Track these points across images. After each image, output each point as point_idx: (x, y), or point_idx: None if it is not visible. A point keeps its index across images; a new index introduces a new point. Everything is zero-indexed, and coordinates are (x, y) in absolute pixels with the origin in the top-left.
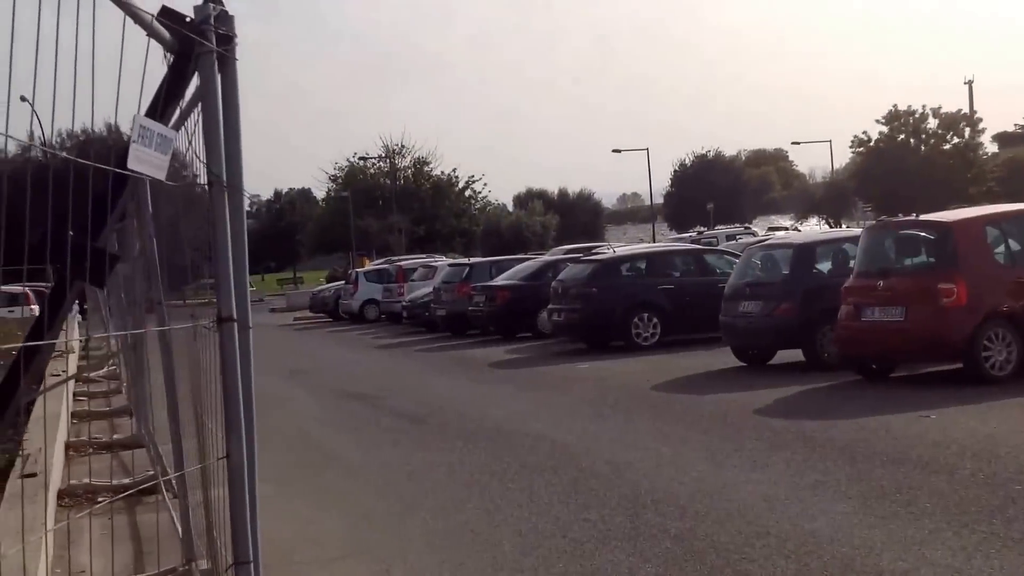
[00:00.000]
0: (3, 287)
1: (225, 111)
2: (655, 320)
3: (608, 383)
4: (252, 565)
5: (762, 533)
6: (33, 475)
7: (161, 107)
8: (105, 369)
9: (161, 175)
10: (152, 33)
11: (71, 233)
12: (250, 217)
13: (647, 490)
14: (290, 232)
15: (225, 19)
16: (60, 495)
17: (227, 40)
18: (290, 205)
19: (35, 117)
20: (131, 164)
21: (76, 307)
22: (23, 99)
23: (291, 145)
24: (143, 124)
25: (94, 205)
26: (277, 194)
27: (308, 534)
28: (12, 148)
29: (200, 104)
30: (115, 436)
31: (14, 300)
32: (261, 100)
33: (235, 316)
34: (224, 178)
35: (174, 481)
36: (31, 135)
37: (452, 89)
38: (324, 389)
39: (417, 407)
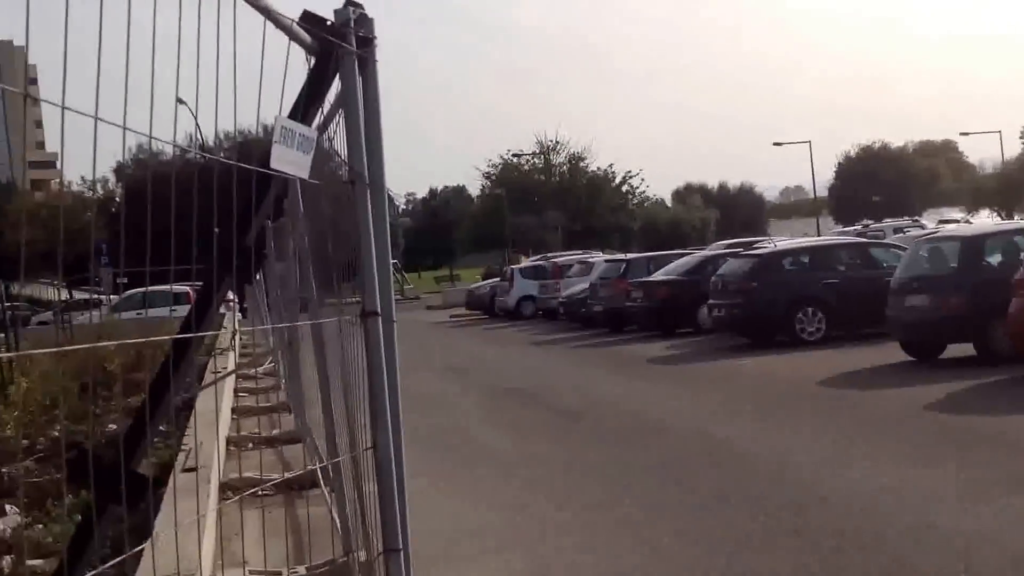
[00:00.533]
0: (163, 287)
1: (366, 111)
2: (819, 315)
3: (771, 379)
4: (401, 553)
5: (929, 530)
6: (194, 469)
7: (303, 109)
8: (265, 366)
9: (304, 174)
10: (293, 37)
11: (215, 230)
12: (406, 215)
13: (812, 487)
14: (446, 229)
15: (364, 21)
16: (221, 488)
17: (367, 42)
18: (445, 203)
19: (190, 118)
20: (274, 164)
21: (236, 305)
22: (180, 101)
23: (446, 143)
24: (285, 125)
25: (242, 204)
26: (432, 192)
27: (464, 528)
28: (170, 150)
29: (341, 105)
30: (274, 431)
31: (178, 300)
32: (417, 99)
33: (379, 310)
34: (366, 176)
35: (330, 473)
36: (190, 137)
37: (608, 83)
38: (480, 385)
39: (573, 403)
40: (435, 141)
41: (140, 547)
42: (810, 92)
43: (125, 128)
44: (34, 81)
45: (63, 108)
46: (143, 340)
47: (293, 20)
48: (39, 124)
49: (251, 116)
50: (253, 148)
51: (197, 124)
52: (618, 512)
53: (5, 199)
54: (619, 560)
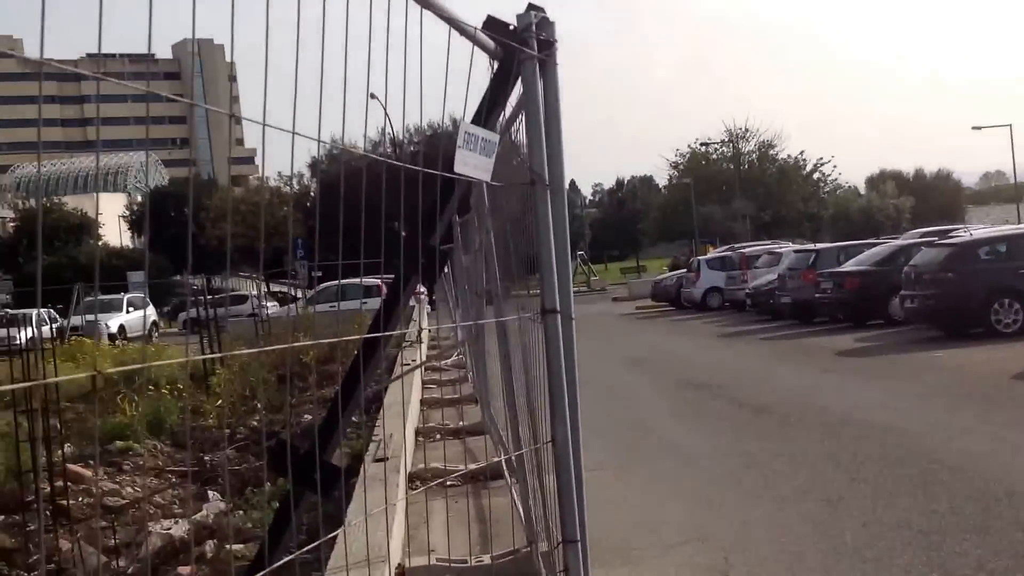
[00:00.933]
0: (355, 280)
1: (546, 114)
2: (1017, 306)
3: (965, 372)
4: (579, 544)
5: None
6: (385, 459)
7: (486, 112)
8: (453, 358)
9: (486, 176)
10: (476, 43)
11: (402, 234)
12: (592, 206)
13: (1000, 481)
14: (632, 220)
15: (546, 25)
16: (411, 478)
17: (548, 45)
18: (632, 193)
19: (380, 119)
20: (457, 168)
21: (425, 297)
22: (373, 96)
23: (633, 133)
24: (468, 130)
25: (428, 205)
26: (619, 182)
27: (646, 520)
28: (363, 145)
29: (523, 107)
30: (461, 423)
31: (369, 292)
32: (604, 88)
33: (558, 308)
34: (546, 178)
35: (514, 465)
36: (381, 132)
37: (799, 69)
38: (664, 378)
39: (759, 396)
40: (622, 131)
41: (333, 534)
42: (1011, 73)
43: (319, 142)
44: (233, 78)
45: (264, 125)
46: (335, 339)
47: (476, 28)
48: (238, 121)
49: (437, 113)
50: (440, 142)
51: (387, 118)
52: (803, 506)
53: (206, 195)
54: (803, 554)
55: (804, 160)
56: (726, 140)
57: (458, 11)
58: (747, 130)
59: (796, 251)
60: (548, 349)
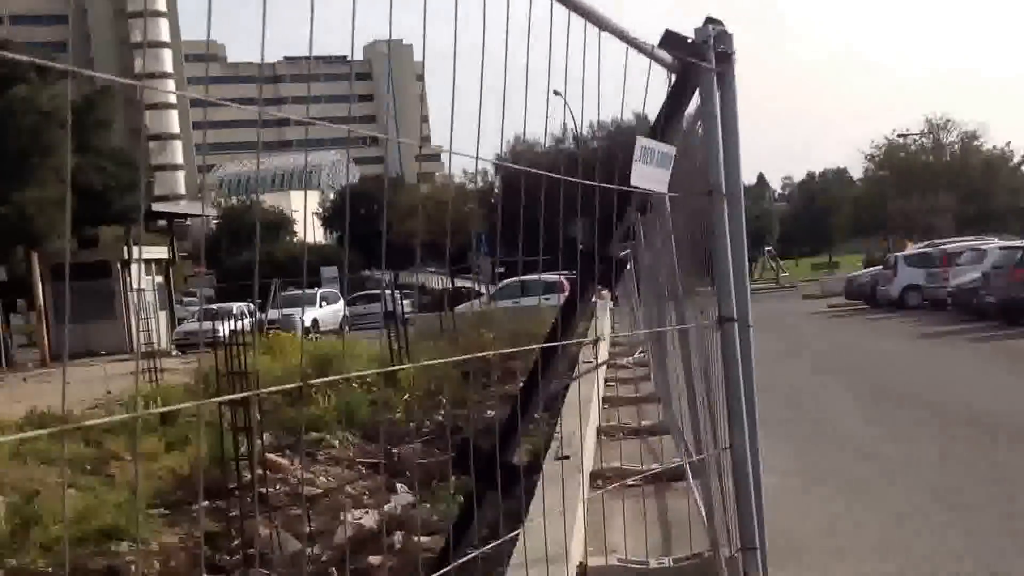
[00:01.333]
0: (536, 276)
1: (723, 125)
2: None
3: None
4: (758, 552)
5: None
6: (567, 458)
7: (663, 124)
8: (636, 355)
9: (663, 188)
10: (653, 58)
11: (579, 246)
12: (781, 200)
13: None
14: (824, 214)
15: (724, 38)
16: (592, 477)
17: (725, 57)
18: (824, 187)
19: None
20: (634, 180)
21: (608, 294)
22: (556, 93)
23: (826, 124)
24: (644, 144)
25: (605, 213)
26: (810, 175)
27: (834, 529)
28: (544, 140)
29: (700, 118)
30: (643, 422)
31: (551, 288)
32: (797, 79)
33: (735, 316)
34: (723, 188)
35: (696, 467)
36: (564, 127)
37: (1002, 57)
38: (858, 381)
39: (963, 403)
40: (813, 122)
41: (515, 532)
42: None
43: (498, 165)
44: (421, 77)
45: (451, 149)
46: (515, 350)
47: (653, 45)
48: (425, 119)
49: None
50: (618, 140)
51: (570, 113)
52: (1008, 524)
53: (395, 192)
54: (1000, 566)
55: (1011, 151)
56: (925, 131)
57: (636, 18)
58: (949, 120)
59: (1002, 248)
60: (725, 357)
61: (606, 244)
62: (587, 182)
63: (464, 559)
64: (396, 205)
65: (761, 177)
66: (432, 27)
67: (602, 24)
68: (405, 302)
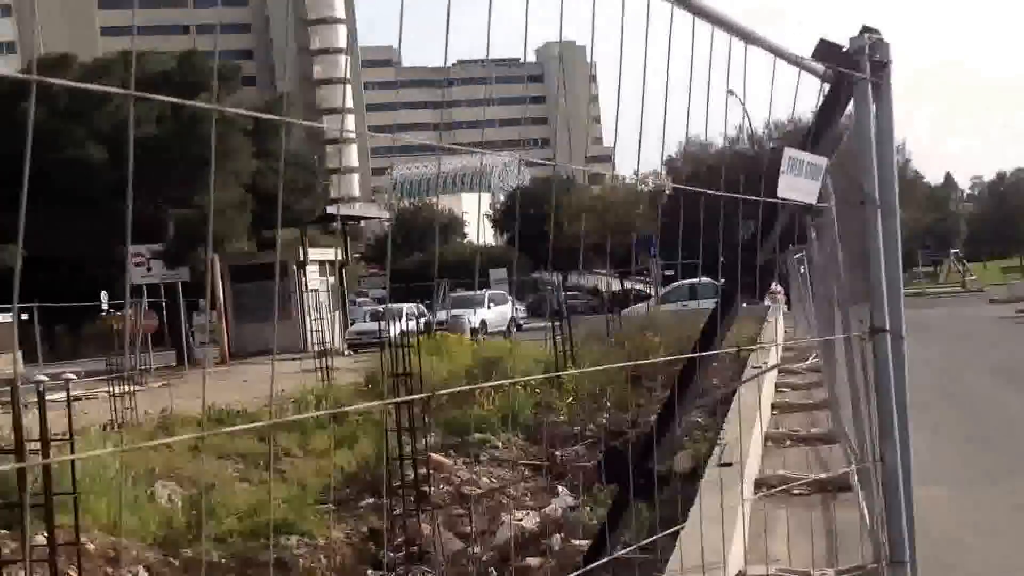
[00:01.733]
0: (706, 279)
1: (877, 135)
2: None
3: None
4: (908, 565)
5: None
6: (728, 464)
7: (815, 134)
8: (809, 361)
9: (811, 199)
10: (802, 67)
11: (721, 259)
12: (969, 200)
13: None
14: (1015, 216)
15: (880, 46)
16: (756, 485)
17: (881, 67)
18: (1015, 187)
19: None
20: (781, 192)
21: (783, 297)
22: (731, 92)
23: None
24: (792, 155)
25: (761, 222)
26: (1000, 175)
27: (1008, 550)
28: (717, 142)
29: (853, 128)
30: (813, 429)
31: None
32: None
33: (887, 327)
34: (876, 198)
35: (862, 478)
36: (738, 128)
37: None
38: None
39: None
40: (1003, 122)
41: (668, 531)
42: None
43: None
44: (593, 78)
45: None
46: (670, 358)
47: (800, 57)
48: (597, 120)
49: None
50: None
51: (745, 112)
52: None
53: (565, 193)
54: None
55: None
56: None
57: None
58: None
59: None
60: (876, 368)
61: (753, 254)
62: (730, 195)
63: (597, 563)
64: (566, 207)
65: (948, 177)
66: (603, 30)
67: (749, 38)
68: (572, 303)
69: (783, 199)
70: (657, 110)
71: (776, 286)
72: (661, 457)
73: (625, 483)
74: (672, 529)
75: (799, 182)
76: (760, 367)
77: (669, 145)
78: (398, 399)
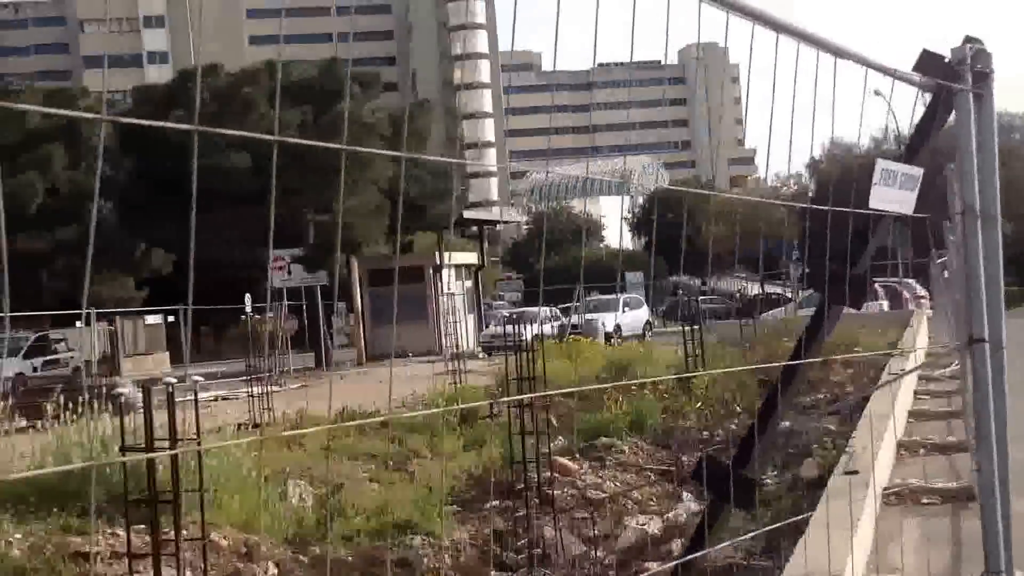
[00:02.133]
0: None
1: (979, 145)
2: None
3: None
4: None
5: None
6: (855, 472)
7: (915, 144)
8: (950, 367)
9: (907, 210)
10: (898, 78)
11: (812, 268)
12: None
13: None
14: None
15: (982, 56)
16: (885, 494)
17: (983, 76)
18: None
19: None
20: (873, 203)
21: (927, 301)
22: (877, 93)
23: None
24: (885, 167)
25: (854, 236)
26: None
27: None
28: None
29: (954, 138)
30: (949, 437)
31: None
32: None
33: (986, 336)
34: (976, 209)
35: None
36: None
37: None
38: None
39: None
40: None
41: (773, 525)
42: None
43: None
44: (735, 79)
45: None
46: (790, 363)
47: (895, 70)
48: (739, 121)
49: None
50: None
51: (891, 110)
52: None
53: (705, 197)
54: None
55: None
56: None
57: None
58: None
59: None
60: (974, 379)
61: (856, 262)
62: (823, 207)
63: (677, 561)
64: (706, 210)
65: None
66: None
67: (839, 53)
68: (709, 307)
69: (876, 210)
70: (803, 113)
71: (921, 290)
72: (761, 463)
73: (720, 490)
74: (767, 527)
75: (892, 192)
76: (898, 372)
77: (813, 147)
78: (508, 398)
